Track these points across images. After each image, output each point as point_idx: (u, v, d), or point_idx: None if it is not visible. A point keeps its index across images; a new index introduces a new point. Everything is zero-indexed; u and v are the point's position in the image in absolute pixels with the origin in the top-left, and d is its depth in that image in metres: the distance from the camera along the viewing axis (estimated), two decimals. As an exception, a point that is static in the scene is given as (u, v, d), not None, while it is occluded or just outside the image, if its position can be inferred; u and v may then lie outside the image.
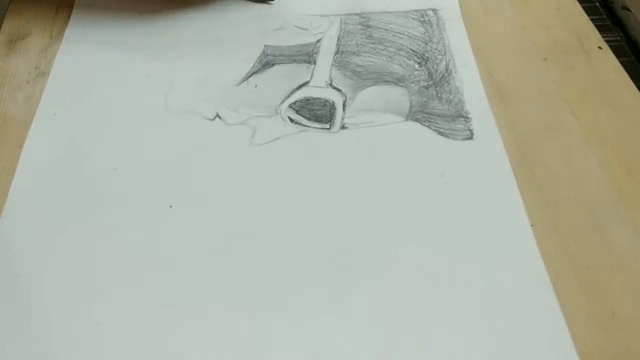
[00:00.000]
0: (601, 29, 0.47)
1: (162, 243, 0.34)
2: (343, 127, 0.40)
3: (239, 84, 0.43)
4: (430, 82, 0.43)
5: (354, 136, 0.40)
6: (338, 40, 0.46)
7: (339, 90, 0.43)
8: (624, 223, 0.35)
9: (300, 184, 0.37)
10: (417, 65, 0.44)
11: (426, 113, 0.41)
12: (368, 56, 0.45)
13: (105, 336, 0.31)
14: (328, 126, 0.40)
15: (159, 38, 0.46)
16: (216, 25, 0.45)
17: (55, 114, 0.41)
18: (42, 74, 0.43)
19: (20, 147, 0.39)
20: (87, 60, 0.44)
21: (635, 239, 0.34)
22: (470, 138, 0.40)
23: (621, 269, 0.33)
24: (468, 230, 0.35)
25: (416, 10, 0.48)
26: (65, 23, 0.47)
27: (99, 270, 0.33)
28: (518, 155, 0.39)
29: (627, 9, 0.49)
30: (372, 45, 0.46)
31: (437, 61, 0.45)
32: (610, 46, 0.46)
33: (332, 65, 0.44)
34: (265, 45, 0.45)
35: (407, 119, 0.41)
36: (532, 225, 0.35)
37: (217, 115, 0.41)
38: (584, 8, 0.49)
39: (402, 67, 0.44)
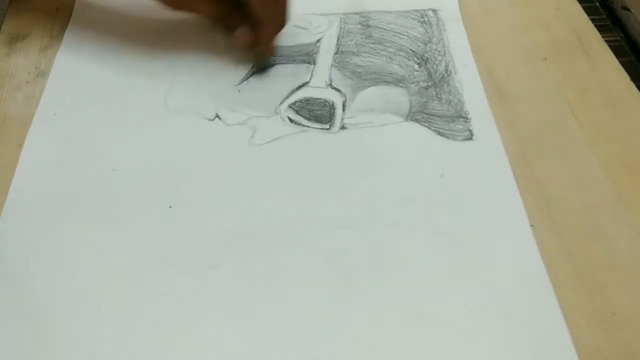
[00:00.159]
0: (601, 29, 0.47)
1: (161, 243, 0.34)
2: (343, 127, 0.40)
3: (239, 84, 0.43)
4: (430, 83, 0.43)
5: (353, 136, 0.40)
6: (338, 40, 0.46)
7: (338, 90, 0.43)
8: (624, 223, 0.35)
9: (300, 184, 0.37)
10: (416, 66, 0.44)
11: (426, 113, 0.41)
12: (368, 56, 0.45)
13: (105, 336, 0.31)
14: (328, 126, 0.40)
15: (159, 38, 0.46)
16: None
17: (55, 114, 0.41)
18: (42, 74, 0.43)
19: (20, 146, 0.39)
20: (87, 60, 0.44)
21: (635, 239, 0.34)
22: (470, 138, 0.40)
23: (621, 269, 0.33)
24: (468, 231, 0.35)
25: (416, 11, 0.48)
26: (65, 23, 0.47)
27: (98, 270, 0.33)
28: (518, 155, 0.39)
29: (627, 9, 0.49)
30: (372, 46, 0.46)
31: (437, 62, 0.45)
32: (610, 46, 0.46)
33: (332, 65, 0.44)
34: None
35: (406, 120, 0.41)
36: (532, 225, 0.35)
37: (217, 116, 0.41)
38: (584, 8, 0.49)
39: (401, 67, 0.44)
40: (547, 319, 0.31)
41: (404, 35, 0.47)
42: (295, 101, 0.42)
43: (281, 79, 0.43)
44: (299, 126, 0.40)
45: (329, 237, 0.34)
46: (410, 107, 0.42)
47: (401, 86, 0.43)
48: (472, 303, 0.32)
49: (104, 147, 0.39)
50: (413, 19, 0.48)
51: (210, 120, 0.41)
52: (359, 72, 0.44)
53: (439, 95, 0.42)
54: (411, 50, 0.45)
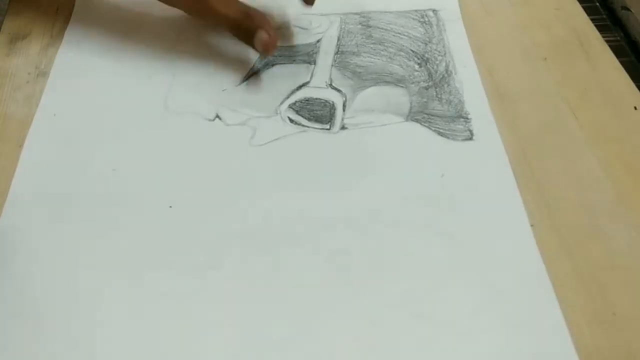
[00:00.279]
0: (601, 29, 0.47)
1: (161, 243, 0.34)
2: (343, 127, 0.40)
3: (239, 84, 0.43)
4: (430, 83, 0.43)
5: (353, 137, 0.40)
6: (338, 41, 0.46)
7: (338, 90, 0.43)
8: (624, 223, 0.35)
9: (300, 184, 0.37)
10: (417, 66, 0.44)
11: (426, 114, 0.41)
12: (368, 56, 0.45)
13: (105, 336, 0.31)
14: (328, 127, 0.40)
15: (159, 38, 0.46)
16: (216, 26, 0.45)
17: (55, 114, 0.41)
18: (42, 74, 0.43)
19: (20, 146, 0.39)
20: (87, 60, 0.44)
21: (635, 239, 0.34)
22: (470, 139, 0.40)
23: (621, 269, 0.33)
24: (468, 231, 0.35)
25: (416, 11, 0.48)
26: (65, 23, 0.47)
27: (98, 271, 0.33)
28: (518, 155, 0.39)
29: (627, 9, 0.49)
30: (372, 46, 0.46)
31: (437, 62, 0.45)
32: (610, 46, 0.46)
33: (332, 65, 0.44)
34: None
35: (407, 120, 0.41)
36: (532, 225, 0.35)
37: (217, 116, 0.41)
38: (584, 8, 0.49)
39: (402, 67, 0.44)
40: (547, 319, 0.31)
41: (404, 35, 0.47)
42: (296, 101, 0.42)
43: (281, 79, 0.43)
44: (299, 126, 0.40)
45: (329, 237, 0.34)
46: (411, 107, 0.42)
47: (401, 86, 0.43)
48: (472, 303, 0.32)
49: (104, 147, 0.39)
50: (413, 19, 0.48)
51: (210, 120, 0.41)
52: (359, 72, 0.44)
53: (439, 96, 0.42)
54: (411, 50, 0.45)
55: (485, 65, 0.44)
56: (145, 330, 0.31)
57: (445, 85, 0.43)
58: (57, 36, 0.46)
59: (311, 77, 0.43)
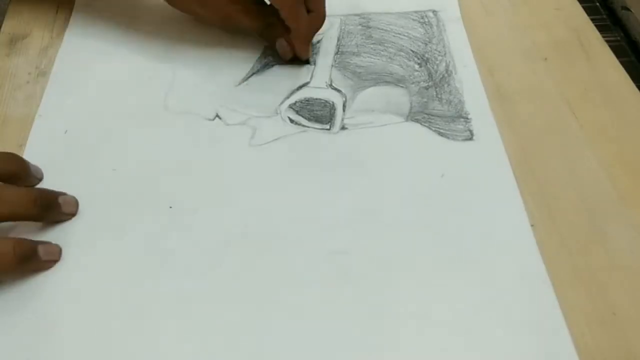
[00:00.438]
0: (601, 29, 0.47)
1: (161, 243, 0.34)
2: (343, 127, 0.40)
3: (239, 84, 0.43)
4: (430, 83, 0.43)
5: (353, 137, 0.40)
6: (338, 41, 0.46)
7: (339, 90, 0.43)
8: (624, 223, 0.35)
9: (300, 184, 0.37)
10: (417, 66, 0.44)
11: (426, 114, 0.41)
12: (368, 57, 0.45)
13: (105, 335, 0.31)
14: (328, 127, 0.40)
15: (159, 38, 0.46)
16: (216, 26, 0.45)
17: (55, 114, 0.41)
18: (42, 74, 0.43)
19: (21, 146, 0.39)
20: (87, 60, 0.44)
21: (635, 239, 0.34)
22: (470, 139, 0.40)
23: (621, 269, 0.33)
24: (468, 231, 0.35)
25: (416, 12, 0.48)
26: (65, 23, 0.47)
27: (98, 271, 0.33)
28: (518, 155, 0.39)
29: (627, 9, 0.49)
30: (372, 46, 0.46)
31: (437, 62, 0.45)
32: (610, 46, 0.46)
33: (332, 65, 0.44)
34: (265, 46, 0.45)
35: (407, 120, 0.41)
36: (532, 225, 0.35)
37: (217, 116, 0.41)
38: (584, 8, 0.49)
39: (402, 67, 0.44)
40: (547, 319, 0.31)
41: (404, 35, 0.47)
42: (296, 101, 0.42)
43: (281, 79, 0.43)
44: (299, 126, 0.40)
45: (328, 237, 0.34)
46: (411, 107, 0.42)
47: (401, 86, 0.43)
48: (472, 303, 0.32)
49: (104, 147, 0.39)
50: (413, 20, 0.48)
51: (210, 120, 0.41)
52: (359, 73, 0.44)
53: (439, 96, 0.42)
54: (411, 50, 0.45)
55: (485, 65, 0.44)
56: (145, 330, 0.31)
57: (445, 85, 0.43)
58: (57, 36, 0.46)
59: (311, 78, 0.43)
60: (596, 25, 0.47)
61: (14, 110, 0.41)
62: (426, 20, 0.48)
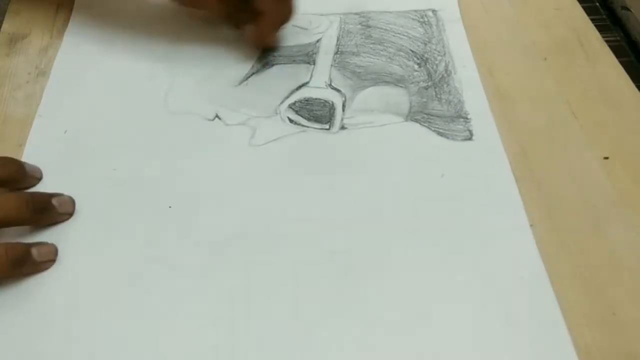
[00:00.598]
0: (601, 29, 0.47)
1: (161, 243, 0.34)
2: (342, 127, 0.40)
3: (239, 84, 0.43)
4: (429, 83, 0.43)
5: (353, 137, 0.40)
6: (338, 41, 0.46)
7: (338, 90, 0.43)
8: (624, 223, 0.35)
9: (300, 184, 0.37)
10: (416, 66, 0.44)
11: (426, 114, 0.41)
12: (367, 57, 0.45)
13: (104, 335, 0.31)
14: (327, 127, 0.40)
15: (159, 38, 0.46)
16: (216, 26, 0.45)
17: (55, 114, 0.41)
18: (42, 74, 0.43)
19: (21, 146, 0.39)
20: (87, 60, 0.44)
21: (635, 239, 0.34)
22: (470, 139, 0.40)
23: (621, 269, 0.33)
24: (468, 231, 0.35)
25: (416, 11, 0.48)
26: (65, 23, 0.47)
27: (98, 271, 0.33)
28: (518, 155, 0.39)
29: (627, 9, 0.49)
30: (371, 46, 0.46)
31: (437, 62, 0.45)
32: (610, 46, 0.46)
33: (332, 65, 0.44)
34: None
35: (406, 120, 0.41)
36: (532, 225, 0.35)
37: (217, 116, 0.41)
38: (584, 8, 0.49)
39: (401, 67, 0.44)
40: (547, 319, 0.31)
41: (403, 35, 0.47)
42: (295, 101, 0.42)
43: (281, 79, 0.43)
44: (299, 126, 0.40)
45: (329, 237, 0.34)
46: (410, 107, 0.42)
47: (401, 86, 0.43)
48: (472, 303, 0.32)
49: (103, 147, 0.39)
50: (413, 19, 0.48)
51: (210, 120, 0.41)
52: (359, 73, 0.44)
53: (438, 96, 0.42)
54: (411, 50, 0.45)
55: (485, 65, 0.44)
56: (145, 330, 0.31)
57: (445, 85, 0.43)
58: (57, 36, 0.46)
59: (311, 77, 0.43)
60: (596, 25, 0.47)
61: (13, 110, 0.41)
62: (426, 19, 0.48)
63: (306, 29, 0.47)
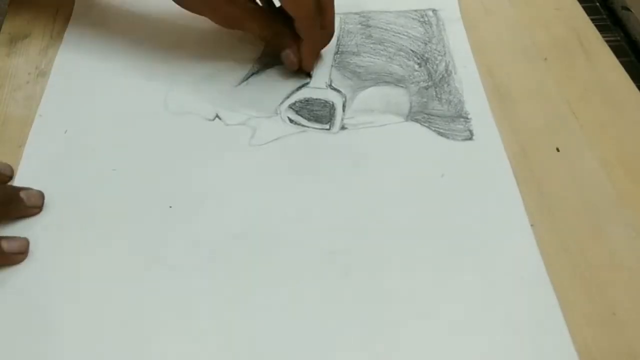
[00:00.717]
0: (601, 29, 0.47)
1: (161, 243, 0.34)
2: (343, 127, 0.40)
3: (239, 84, 0.43)
4: (430, 83, 0.43)
5: (353, 137, 0.40)
6: (338, 40, 0.46)
7: (338, 91, 0.43)
8: (624, 223, 0.35)
9: (300, 184, 0.37)
10: (416, 66, 0.44)
11: (426, 114, 0.41)
12: (368, 57, 0.45)
13: (105, 335, 0.31)
14: (328, 127, 0.40)
15: (159, 38, 0.46)
16: (216, 26, 0.45)
17: (55, 114, 0.41)
18: (42, 74, 0.43)
19: (20, 146, 0.39)
20: (87, 60, 0.44)
21: (635, 239, 0.34)
22: (470, 138, 0.40)
23: (621, 269, 0.33)
24: (468, 231, 0.35)
25: (416, 11, 0.48)
26: (65, 23, 0.47)
27: (98, 271, 0.33)
28: (518, 155, 0.39)
29: (627, 9, 0.49)
30: (371, 46, 0.46)
31: (437, 62, 0.45)
32: (610, 46, 0.46)
33: (332, 65, 0.44)
34: (264, 47, 0.45)
35: (406, 120, 0.41)
36: (532, 225, 0.35)
37: (217, 116, 0.41)
38: (584, 8, 0.49)
39: (401, 67, 0.44)
40: (547, 319, 0.31)
41: (404, 35, 0.47)
42: (295, 101, 0.42)
43: (281, 80, 0.43)
44: (299, 126, 0.40)
45: (328, 237, 0.35)
46: (411, 107, 0.42)
47: (401, 86, 0.43)
48: (472, 303, 0.32)
49: (104, 147, 0.39)
50: (413, 19, 0.48)
51: (210, 120, 0.41)
52: (359, 73, 0.44)
53: (439, 96, 0.42)
54: (411, 50, 0.45)
55: (485, 65, 0.44)
56: (145, 330, 0.31)
57: (445, 85, 0.43)
58: (57, 36, 0.46)
59: (311, 78, 0.43)
60: (596, 25, 0.47)
61: (13, 111, 0.41)
62: (426, 19, 0.48)
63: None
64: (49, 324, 0.31)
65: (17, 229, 0.34)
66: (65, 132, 0.40)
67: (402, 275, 0.33)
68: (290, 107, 0.41)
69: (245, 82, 0.43)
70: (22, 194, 0.35)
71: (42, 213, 0.35)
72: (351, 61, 0.45)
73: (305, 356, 0.30)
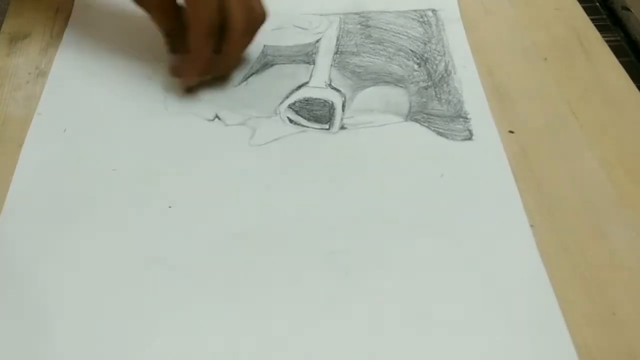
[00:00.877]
0: (601, 29, 0.47)
1: (161, 243, 0.34)
2: (342, 127, 0.40)
3: (238, 84, 0.43)
4: (429, 83, 0.43)
5: (353, 137, 0.40)
6: (337, 41, 0.46)
7: (338, 90, 0.43)
8: (624, 223, 0.35)
9: (300, 184, 0.37)
10: (416, 66, 0.44)
11: (425, 113, 0.41)
12: (367, 56, 0.45)
13: (105, 336, 0.31)
14: (327, 127, 0.40)
15: (158, 38, 0.45)
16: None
17: (55, 114, 0.41)
18: (42, 74, 0.43)
19: (20, 146, 0.39)
20: (87, 60, 0.44)
21: (635, 239, 0.34)
22: (470, 138, 0.40)
23: (621, 269, 0.33)
24: (467, 231, 0.35)
25: (415, 11, 0.48)
26: (65, 23, 0.47)
27: (98, 271, 0.33)
28: (518, 155, 0.39)
29: (627, 9, 0.49)
30: (371, 46, 0.46)
31: (437, 62, 0.45)
32: (610, 46, 0.46)
33: (332, 65, 0.44)
34: (264, 46, 0.45)
35: (406, 120, 0.41)
36: (532, 226, 0.35)
37: (217, 116, 0.41)
38: (584, 8, 0.49)
39: (401, 67, 0.44)
40: (547, 319, 0.31)
41: (403, 35, 0.47)
42: (295, 101, 0.42)
43: (281, 80, 0.43)
44: (299, 126, 0.40)
45: (328, 237, 0.34)
46: (410, 107, 0.42)
47: (401, 86, 0.43)
48: (472, 303, 0.32)
49: (103, 147, 0.39)
50: (412, 19, 0.48)
51: (209, 120, 0.41)
52: (359, 72, 0.44)
53: (438, 95, 0.42)
54: (411, 50, 0.45)
55: (485, 65, 0.44)
56: (144, 331, 0.31)
57: (445, 85, 0.43)
58: (57, 36, 0.46)
59: (310, 77, 0.43)
60: (596, 25, 0.47)
61: (13, 110, 0.41)
62: (425, 19, 0.48)
63: (306, 29, 0.47)
64: (49, 324, 0.31)
65: (15, 227, 0.34)
66: (65, 131, 0.40)
67: (402, 274, 0.33)
68: (290, 107, 0.41)
69: (244, 82, 0.43)
70: None
71: (41, 213, 0.35)
72: (351, 61, 0.45)
73: (305, 356, 0.30)
